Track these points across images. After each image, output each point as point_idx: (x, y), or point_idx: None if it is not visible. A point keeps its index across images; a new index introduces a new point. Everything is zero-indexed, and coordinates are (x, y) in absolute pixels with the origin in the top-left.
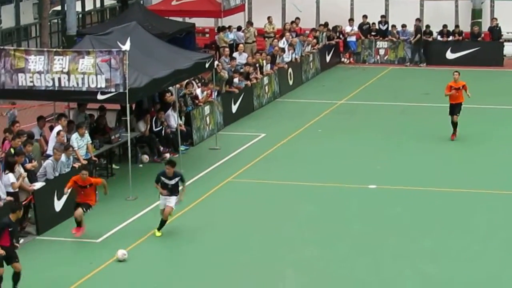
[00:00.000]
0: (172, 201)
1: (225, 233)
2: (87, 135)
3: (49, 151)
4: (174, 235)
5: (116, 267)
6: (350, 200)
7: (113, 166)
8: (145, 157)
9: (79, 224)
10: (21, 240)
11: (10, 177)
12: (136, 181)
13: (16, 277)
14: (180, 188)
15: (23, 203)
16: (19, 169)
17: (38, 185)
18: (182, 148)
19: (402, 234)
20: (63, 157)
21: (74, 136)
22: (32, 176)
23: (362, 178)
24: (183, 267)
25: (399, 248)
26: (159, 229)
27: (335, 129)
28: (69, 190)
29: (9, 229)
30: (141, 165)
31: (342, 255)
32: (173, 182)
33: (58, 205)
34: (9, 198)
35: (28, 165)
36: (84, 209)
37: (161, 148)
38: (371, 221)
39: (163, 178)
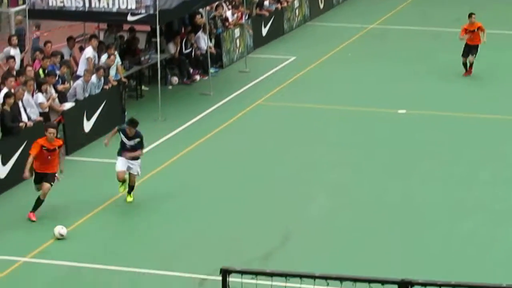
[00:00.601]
0: (135, 167)
1: (254, 155)
2: (117, 56)
3: (79, 72)
4: (203, 154)
5: (146, 188)
6: (380, 125)
7: (143, 87)
8: (175, 79)
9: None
10: None
11: (39, 97)
12: (165, 103)
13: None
14: (135, 152)
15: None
16: (50, 89)
17: (67, 105)
18: (211, 70)
19: (432, 159)
20: (93, 78)
21: (104, 57)
22: (63, 97)
23: (392, 102)
24: (213, 180)
25: (429, 172)
26: (129, 192)
27: (365, 53)
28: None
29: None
30: (170, 87)
31: (372, 179)
32: (132, 143)
33: (88, 125)
34: (39, 118)
35: (60, 87)
36: (52, 183)
37: (191, 70)
38: (400, 145)
39: (122, 136)
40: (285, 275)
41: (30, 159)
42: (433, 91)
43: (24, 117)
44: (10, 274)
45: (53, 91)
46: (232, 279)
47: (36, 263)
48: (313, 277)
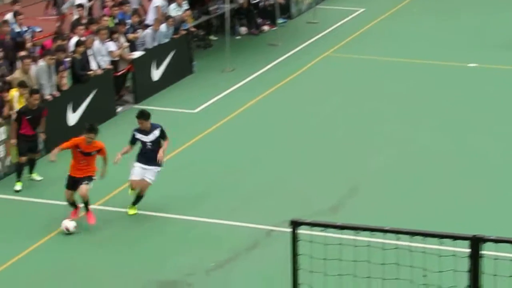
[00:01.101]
0: (150, 172)
1: (320, 107)
2: (185, 5)
3: (148, 21)
4: (270, 105)
5: (214, 138)
6: (449, 78)
7: (211, 37)
8: (243, 29)
9: (74, 205)
10: (119, 108)
11: (110, 46)
12: (234, 52)
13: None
14: (161, 148)
15: (123, 71)
16: (121, 38)
17: (137, 54)
18: (279, 21)
19: (501, 114)
20: (163, 27)
21: (173, 6)
22: (132, 45)
23: (462, 56)
24: (280, 131)
25: (497, 127)
26: (134, 204)
27: (434, 8)
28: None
29: (26, 117)
30: (238, 37)
31: (440, 132)
32: (151, 137)
33: (156, 74)
34: (109, 66)
35: (131, 36)
36: (88, 184)
37: (259, 21)
38: (468, 99)
39: (139, 135)
40: (355, 228)
41: (56, 150)
42: (505, 43)
43: (93, 65)
44: (80, 218)
45: (123, 39)
46: (301, 231)
47: (104, 210)
48: (383, 231)
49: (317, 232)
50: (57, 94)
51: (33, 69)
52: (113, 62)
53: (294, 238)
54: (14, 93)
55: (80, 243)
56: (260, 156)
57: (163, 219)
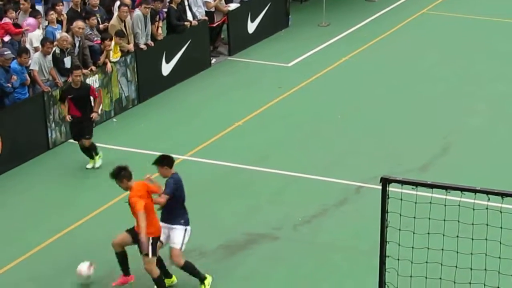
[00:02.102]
0: (176, 234)
1: (415, 65)
2: None
3: None
4: (364, 61)
5: (306, 91)
6: None
7: None
8: None
9: (124, 263)
10: (213, 60)
11: None
12: (330, 7)
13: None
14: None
15: (218, 23)
16: None
17: (232, 6)
18: None
19: None
20: None
21: None
22: None
23: None
24: (374, 88)
25: None
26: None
27: None
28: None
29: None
30: None
31: None
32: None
33: (251, 27)
34: (205, 17)
35: None
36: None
37: None
38: None
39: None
40: (446, 188)
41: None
42: None
43: (189, 16)
44: None
45: None
46: (392, 188)
47: (195, 161)
48: (474, 191)
49: (407, 190)
50: (151, 44)
51: (129, 18)
52: (209, 13)
53: (384, 195)
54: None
55: None
56: (352, 112)
57: (255, 173)
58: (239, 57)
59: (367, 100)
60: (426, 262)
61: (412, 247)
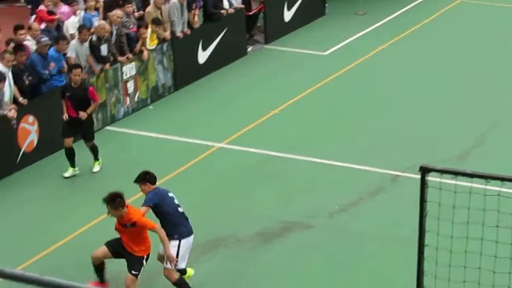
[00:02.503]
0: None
1: (452, 52)
2: None
3: None
4: (401, 49)
5: (342, 79)
6: None
7: None
8: None
9: (100, 274)
10: (249, 48)
11: None
12: None
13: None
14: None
15: (254, 11)
16: None
17: None
18: None
19: None
20: None
21: None
22: None
23: None
24: (412, 75)
25: None
26: None
27: None
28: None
29: (67, 94)
30: None
31: None
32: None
33: (288, 15)
34: (241, 6)
35: None
36: (137, 272)
37: None
38: None
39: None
40: (485, 177)
41: None
42: None
43: (226, 4)
44: (207, 157)
45: None
46: (430, 178)
47: (230, 149)
48: None
49: (447, 180)
50: (188, 31)
51: (166, 5)
52: (245, 2)
53: (423, 184)
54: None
55: (208, 179)
56: (388, 100)
57: (290, 161)
58: (275, 45)
59: (403, 89)
60: (465, 252)
61: (451, 237)
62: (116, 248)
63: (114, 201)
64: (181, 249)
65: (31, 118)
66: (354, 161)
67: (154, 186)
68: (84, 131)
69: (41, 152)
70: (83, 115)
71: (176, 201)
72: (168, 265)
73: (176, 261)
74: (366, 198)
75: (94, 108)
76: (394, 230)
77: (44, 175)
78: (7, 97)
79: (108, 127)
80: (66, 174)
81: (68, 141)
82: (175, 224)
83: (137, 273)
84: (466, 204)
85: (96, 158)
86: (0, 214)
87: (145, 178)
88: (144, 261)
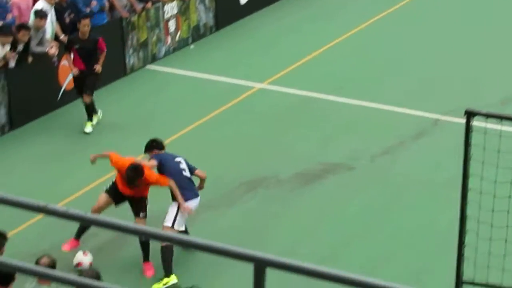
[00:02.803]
0: (169, 212)
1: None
2: None
3: None
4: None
5: (382, 24)
6: None
7: None
8: None
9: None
10: None
11: None
12: None
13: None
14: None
15: None
16: None
17: None
18: None
19: None
20: None
21: None
22: None
23: None
24: (455, 22)
25: None
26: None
27: None
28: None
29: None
30: None
31: None
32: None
33: None
34: None
35: None
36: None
37: None
38: None
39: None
40: None
41: (98, 155)
42: None
43: None
44: (248, 97)
45: None
46: (475, 122)
47: (272, 90)
48: None
49: (492, 125)
50: None
51: None
52: None
53: (468, 128)
54: None
55: (248, 119)
56: (433, 44)
57: (331, 102)
58: None
59: (449, 32)
60: (509, 197)
61: (495, 181)
62: (116, 197)
63: (139, 172)
64: (181, 213)
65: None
66: (397, 104)
67: (162, 151)
68: (89, 83)
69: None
70: (99, 68)
71: (182, 166)
72: (166, 223)
73: (189, 210)
74: (408, 141)
75: (104, 58)
76: (435, 174)
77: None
78: (48, 34)
79: (148, 66)
80: (87, 130)
81: (85, 97)
82: (178, 182)
83: (144, 213)
84: (510, 149)
85: (90, 118)
86: (43, 146)
87: (152, 145)
88: (147, 200)
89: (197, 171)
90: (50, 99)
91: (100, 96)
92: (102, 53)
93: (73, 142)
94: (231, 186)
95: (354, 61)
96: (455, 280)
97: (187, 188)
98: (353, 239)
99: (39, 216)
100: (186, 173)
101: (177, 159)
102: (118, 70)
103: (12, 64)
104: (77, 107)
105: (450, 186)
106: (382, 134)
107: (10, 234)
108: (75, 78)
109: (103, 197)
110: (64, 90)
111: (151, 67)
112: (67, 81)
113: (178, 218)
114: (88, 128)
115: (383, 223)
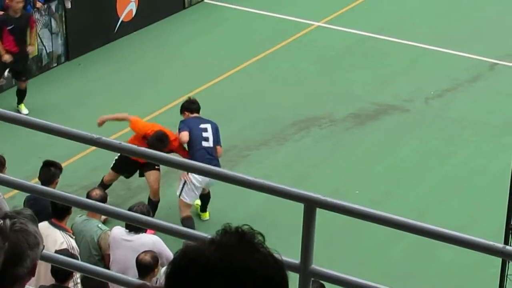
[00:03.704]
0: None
1: None
2: None
3: None
4: None
5: None
6: None
7: None
8: None
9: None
10: None
11: None
12: None
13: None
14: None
15: None
16: None
17: None
18: None
19: None
20: None
21: None
22: None
23: None
24: None
25: None
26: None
27: None
28: None
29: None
30: None
31: None
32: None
33: None
34: None
35: None
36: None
37: None
38: None
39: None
40: None
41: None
42: None
43: None
44: (305, 35)
45: None
46: None
47: (329, 29)
48: None
49: None
50: None
51: None
52: None
53: None
54: None
55: (304, 57)
56: None
57: (388, 43)
58: None
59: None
60: None
61: None
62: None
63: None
64: (188, 182)
65: None
66: (453, 47)
67: (194, 115)
68: (22, 67)
69: (138, 23)
70: (33, 49)
71: (205, 134)
72: (177, 192)
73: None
74: (463, 85)
75: (34, 35)
76: (488, 118)
77: (144, 41)
78: None
79: (207, 0)
80: (25, 111)
81: (21, 84)
82: (192, 154)
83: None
84: None
85: (21, 101)
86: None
87: (183, 106)
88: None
89: (218, 146)
90: (108, 30)
91: (162, 26)
92: (32, 31)
93: (132, 71)
94: (284, 124)
95: (412, 3)
96: (505, 226)
97: (200, 158)
98: (405, 181)
99: (92, 148)
100: (207, 143)
101: (203, 125)
102: (177, 3)
103: None
104: (134, 38)
105: (505, 129)
106: (438, 77)
107: (62, 165)
108: (4, 64)
109: (111, 173)
110: (121, 22)
111: (210, 1)
112: (125, 13)
113: (185, 188)
114: (25, 109)
115: (435, 166)
